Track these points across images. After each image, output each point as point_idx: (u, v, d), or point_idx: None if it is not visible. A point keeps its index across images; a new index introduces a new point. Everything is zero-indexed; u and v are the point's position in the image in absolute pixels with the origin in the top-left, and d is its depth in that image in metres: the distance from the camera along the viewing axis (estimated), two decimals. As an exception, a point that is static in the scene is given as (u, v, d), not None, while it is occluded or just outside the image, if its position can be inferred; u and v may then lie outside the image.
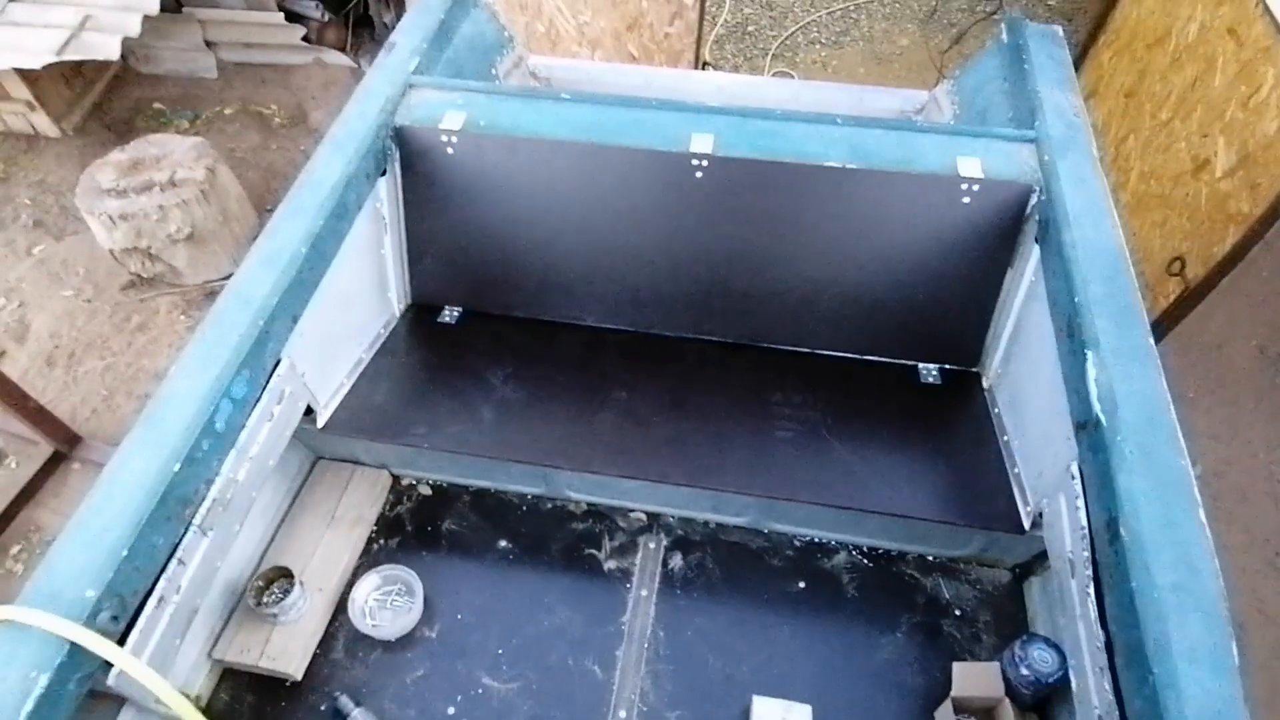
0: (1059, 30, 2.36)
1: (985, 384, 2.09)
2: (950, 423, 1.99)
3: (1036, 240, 1.86)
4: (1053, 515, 1.60)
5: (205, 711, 1.67)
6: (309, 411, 1.82)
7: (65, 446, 3.14)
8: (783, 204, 1.97)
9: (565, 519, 2.02)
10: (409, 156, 2.03)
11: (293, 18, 4.89)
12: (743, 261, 2.05)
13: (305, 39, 4.95)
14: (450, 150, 1.99)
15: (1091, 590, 1.38)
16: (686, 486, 1.80)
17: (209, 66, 5.04)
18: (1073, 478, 1.51)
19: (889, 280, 2.03)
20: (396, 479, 2.07)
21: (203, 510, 1.41)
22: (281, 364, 1.64)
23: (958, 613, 1.87)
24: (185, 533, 1.38)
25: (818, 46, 5.42)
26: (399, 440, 1.85)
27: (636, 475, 1.81)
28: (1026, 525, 1.72)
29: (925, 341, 2.11)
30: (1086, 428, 1.48)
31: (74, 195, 3.52)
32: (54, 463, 3.14)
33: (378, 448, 1.99)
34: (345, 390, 1.95)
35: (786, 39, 5.46)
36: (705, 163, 1.92)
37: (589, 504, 2.02)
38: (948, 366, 2.12)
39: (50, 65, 3.72)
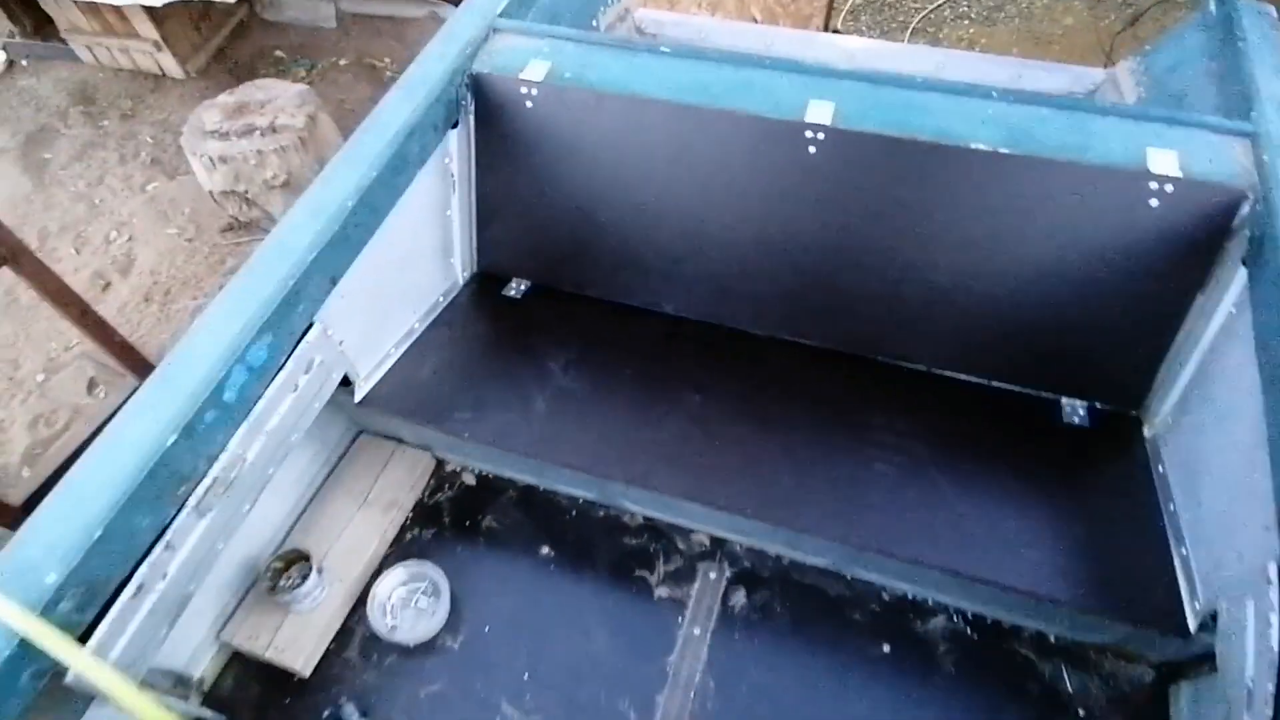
0: (1274, 11, 1.88)
1: (1147, 433, 1.68)
2: (1098, 477, 1.61)
3: (1244, 262, 1.45)
4: (1232, 623, 1.23)
5: (208, 696, 1.55)
6: (347, 382, 1.65)
7: (149, 382, 3.17)
8: (912, 191, 1.63)
9: (617, 531, 1.78)
10: (485, 108, 1.81)
11: (411, -31, 4.80)
12: (854, 255, 1.73)
13: (421, -8, 4.85)
14: (529, 104, 1.76)
15: None
16: (758, 521, 1.51)
17: (329, 16, 5.04)
18: (1270, 582, 1.13)
19: (1037, 292, 1.65)
20: (440, 463, 1.89)
21: (201, 489, 1.25)
22: (313, 329, 1.46)
23: (1081, 712, 1.51)
24: (178, 514, 1.23)
25: (966, 22, 4.86)
26: (439, 426, 1.66)
27: (700, 499, 1.55)
28: (1193, 627, 1.34)
29: (1073, 371, 1.72)
30: None
31: (185, 135, 3.55)
32: (138, 397, 3.17)
33: (420, 428, 1.82)
34: (391, 362, 1.77)
35: (931, 12, 4.93)
36: (821, 135, 1.60)
37: (646, 518, 1.77)
38: (1099, 405, 1.72)
39: (173, 3, 3.76)
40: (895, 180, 1.62)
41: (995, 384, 1.77)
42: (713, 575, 1.70)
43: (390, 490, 1.80)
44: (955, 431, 1.67)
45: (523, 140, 1.82)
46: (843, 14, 4.96)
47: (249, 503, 1.40)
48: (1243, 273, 1.45)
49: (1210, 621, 1.31)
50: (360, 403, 1.68)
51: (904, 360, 1.81)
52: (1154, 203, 1.49)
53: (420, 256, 1.85)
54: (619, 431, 1.63)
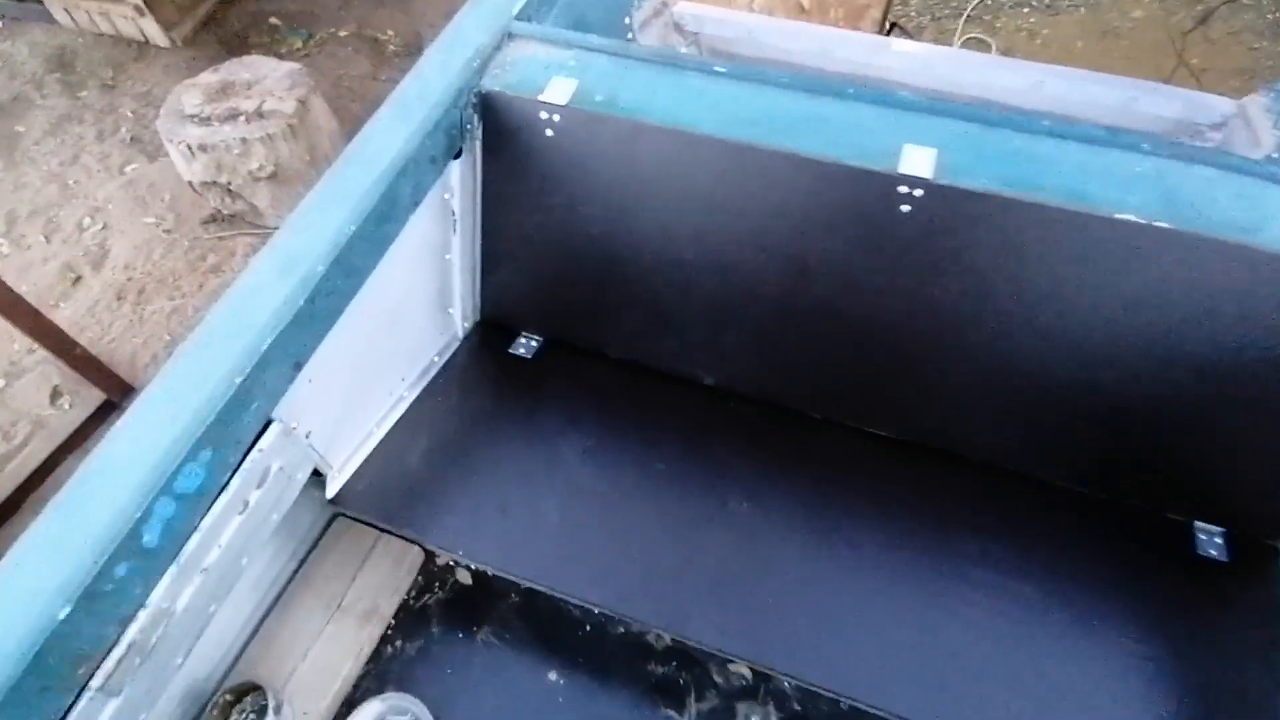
0: None
1: (1296, 572, 1.37)
2: (1244, 640, 1.30)
3: None
4: None
5: None
6: (317, 472, 1.35)
7: (117, 395, 2.89)
8: (1032, 269, 1.29)
9: (640, 655, 1.49)
10: (495, 134, 1.48)
11: (418, -67, 4.38)
12: (947, 339, 1.40)
13: (429, -42, 4.44)
14: (550, 132, 1.43)
15: None
16: (821, 689, 1.22)
17: (328, -19, 4.63)
18: None
19: (1183, 397, 1.33)
20: (430, 556, 1.60)
21: (110, 663, 0.96)
22: (270, 430, 1.16)
23: None
24: (77, 699, 0.93)
25: (1026, 10, 4.43)
26: (423, 535, 1.36)
27: (747, 657, 1.25)
28: None
29: (1212, 492, 1.40)
30: None
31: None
32: (105, 411, 2.89)
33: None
34: (372, 444, 1.46)
35: (987, -1, 4.51)
36: (919, 191, 1.27)
37: (674, 639, 1.47)
38: (1241, 535, 1.41)
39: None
40: (1010, 253, 1.29)
41: (1113, 503, 1.45)
42: (755, 719, 1.41)
43: (370, 593, 1.50)
44: (1067, 566, 1.36)
45: (540, 174, 1.49)
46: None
47: (182, 654, 1.11)
48: None
49: None
50: (333, 499, 1.37)
51: (1006, 464, 1.49)
52: None
53: (412, 310, 1.53)
54: (647, 553, 1.33)
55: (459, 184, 1.50)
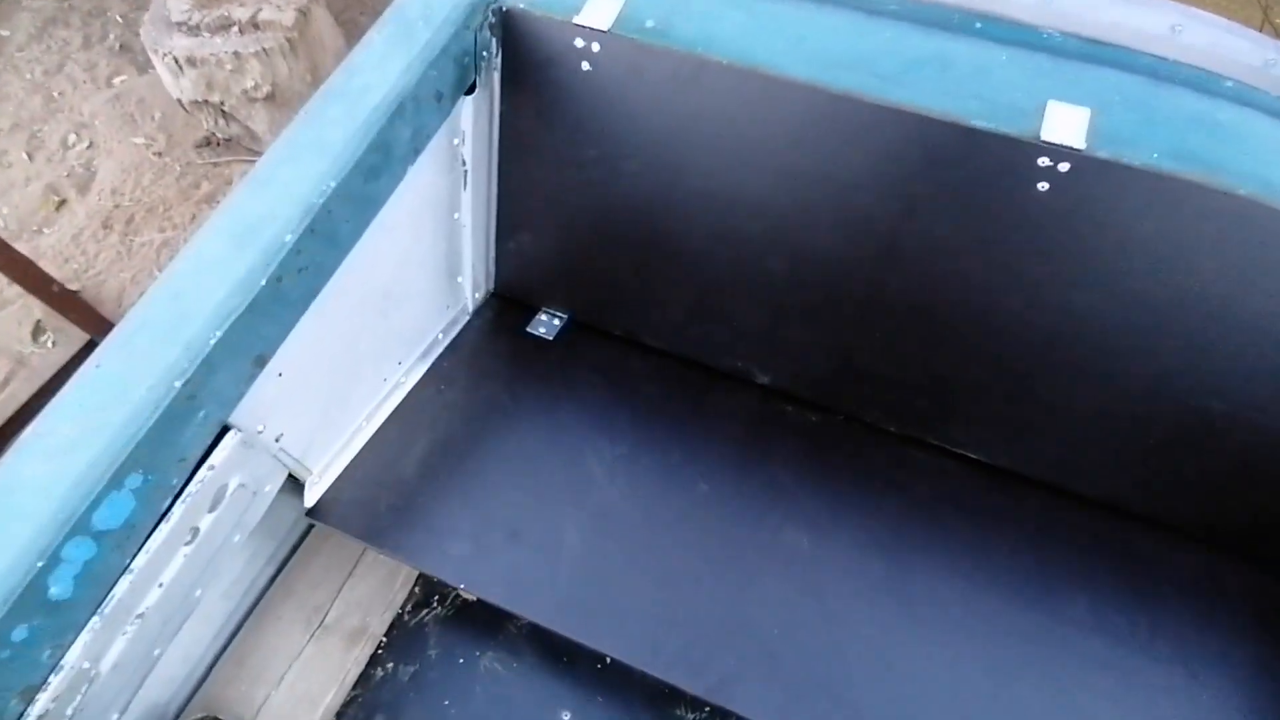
0: None
1: None
2: None
3: None
4: None
5: None
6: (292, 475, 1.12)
7: (100, 336, 2.66)
8: (1206, 268, 1.01)
9: (667, 700, 1.28)
10: (517, 64, 1.18)
11: None
12: (1079, 351, 1.13)
13: None
14: (587, 65, 1.13)
15: None
16: None
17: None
18: None
19: None
20: (428, 567, 1.38)
21: None
22: (226, 439, 0.92)
23: None
24: None
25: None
26: (417, 560, 1.13)
27: None
28: None
29: None
30: None
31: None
32: (89, 352, 2.67)
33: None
34: (361, 442, 1.22)
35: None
36: (1065, 166, 0.98)
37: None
38: None
39: None
40: (1178, 250, 1.00)
41: (1251, 551, 1.21)
42: None
43: (358, 608, 1.30)
44: (1196, 638, 1.12)
45: (573, 117, 1.20)
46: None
47: (117, 711, 0.90)
48: None
49: None
50: (311, 511, 1.15)
51: (1124, 504, 1.23)
52: None
53: (412, 280, 1.27)
54: (685, 601, 1.10)
55: (471, 127, 1.21)
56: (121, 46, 3.60)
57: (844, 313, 1.23)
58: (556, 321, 1.43)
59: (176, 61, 2.76)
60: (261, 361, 0.93)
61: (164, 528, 0.87)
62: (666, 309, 1.36)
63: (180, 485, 0.88)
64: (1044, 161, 0.98)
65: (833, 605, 1.11)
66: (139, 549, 0.85)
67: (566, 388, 1.35)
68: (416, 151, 1.09)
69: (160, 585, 0.89)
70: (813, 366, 1.31)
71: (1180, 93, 1.00)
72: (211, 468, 0.91)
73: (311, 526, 1.35)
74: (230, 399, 0.91)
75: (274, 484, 1.06)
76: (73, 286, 2.80)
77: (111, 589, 0.83)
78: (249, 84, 2.83)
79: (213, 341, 0.85)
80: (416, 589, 1.37)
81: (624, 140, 1.19)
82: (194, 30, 2.78)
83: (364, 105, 1.01)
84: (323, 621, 1.29)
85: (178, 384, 0.82)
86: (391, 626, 1.33)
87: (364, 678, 1.28)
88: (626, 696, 1.27)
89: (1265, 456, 1.10)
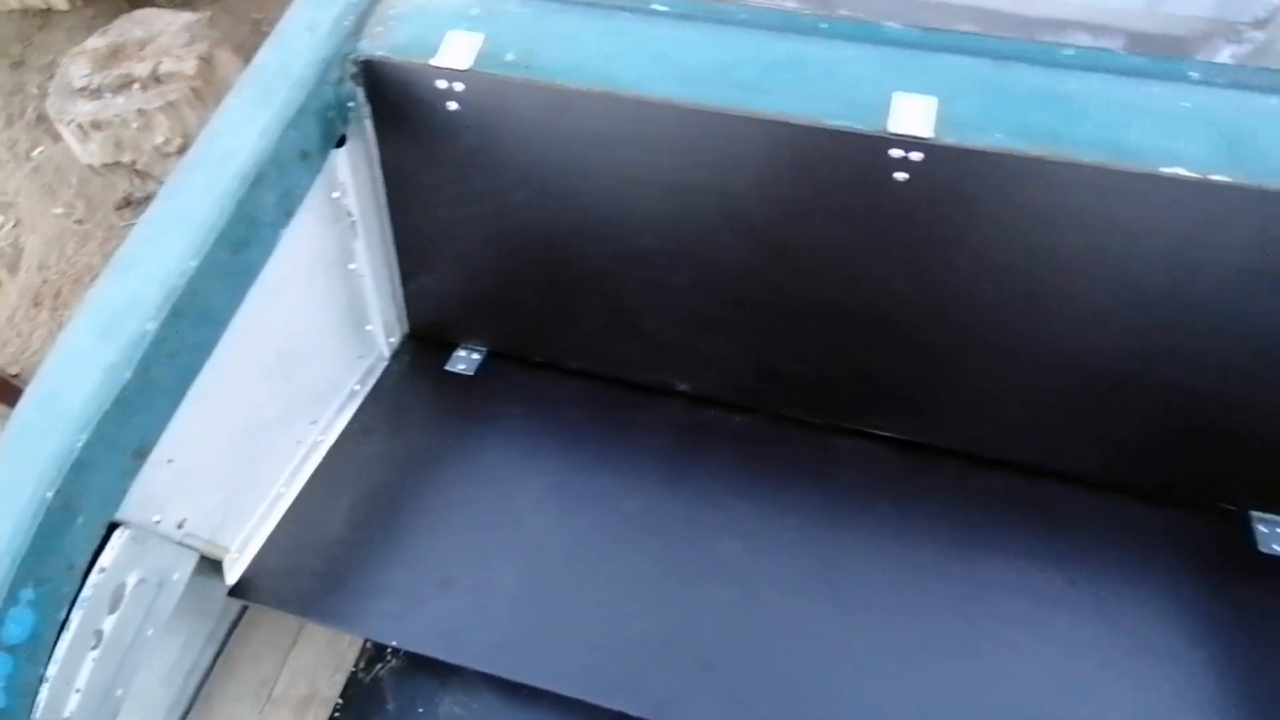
0: None
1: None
2: None
3: None
4: None
5: None
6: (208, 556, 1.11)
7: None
8: (1064, 238, 1.03)
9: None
10: (387, 111, 1.17)
11: None
12: (966, 326, 1.15)
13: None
14: (454, 105, 1.12)
15: None
16: None
17: (231, -92, 4.08)
18: None
19: (1239, 377, 1.09)
20: (376, 620, 1.37)
21: None
22: (114, 539, 0.91)
23: None
24: None
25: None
26: (349, 625, 1.13)
27: None
28: None
29: (1271, 475, 1.18)
30: None
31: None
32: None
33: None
34: (281, 509, 1.21)
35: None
36: (917, 155, 0.99)
37: None
38: None
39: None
40: (1036, 224, 1.02)
41: (1157, 495, 1.23)
42: None
43: (305, 675, 1.29)
44: (1111, 585, 1.15)
45: (452, 156, 1.19)
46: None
47: None
48: None
49: None
50: (234, 590, 1.13)
51: (1035, 464, 1.26)
52: None
53: (315, 339, 1.26)
54: (621, 626, 1.10)
55: (350, 178, 1.20)
56: (39, 118, 3.51)
57: (748, 316, 1.24)
58: (476, 356, 1.42)
59: (81, 127, 2.71)
60: (142, 453, 0.92)
61: (66, 636, 0.86)
62: (580, 330, 1.35)
63: (75, 591, 0.87)
64: (897, 153, 0.99)
65: (769, 606, 1.12)
66: (49, 658, 0.84)
67: (491, 423, 1.34)
68: (288, 214, 1.07)
69: (77, 691, 0.88)
70: (729, 370, 1.31)
71: (1023, 70, 1.01)
72: (102, 570, 0.90)
73: (246, 607, 1.33)
74: (112, 497, 0.90)
75: (182, 571, 1.04)
76: (12, 370, 2.75)
77: (35, 698, 0.82)
78: (159, 139, 2.77)
79: (80, 445, 0.84)
80: (368, 644, 1.36)
81: (506, 173, 1.19)
82: (96, 94, 2.73)
83: (224, 175, 0.99)
84: (270, 695, 1.28)
85: (49, 495, 0.81)
86: (347, 687, 1.32)
87: (322, 742, 1.27)
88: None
89: (1158, 404, 1.13)
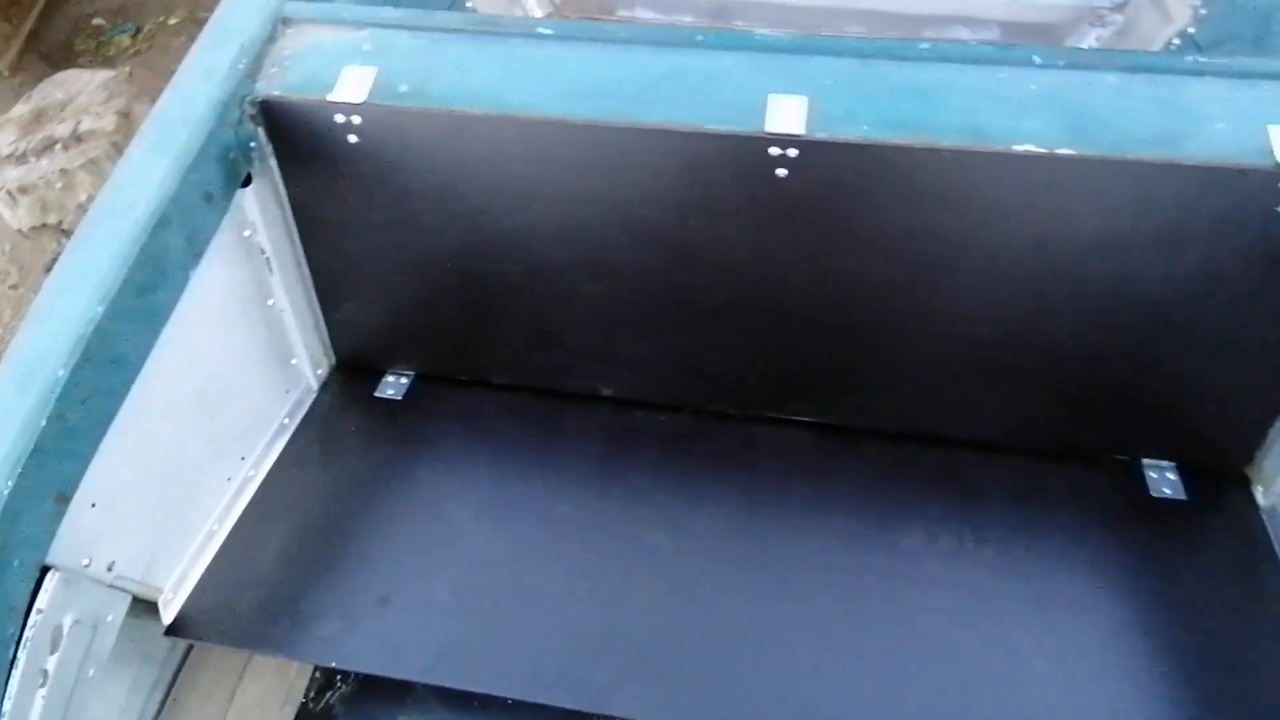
0: None
1: (1260, 498, 1.26)
2: (1213, 581, 1.18)
3: None
4: None
5: None
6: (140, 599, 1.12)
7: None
8: (934, 219, 1.11)
9: (585, 717, 1.31)
10: (289, 149, 1.20)
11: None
12: (859, 308, 1.22)
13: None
14: (354, 138, 1.16)
15: None
16: None
17: (146, -35, 4.12)
18: None
19: (1113, 336, 1.18)
20: (323, 649, 1.38)
21: None
22: (47, 581, 0.92)
23: None
24: None
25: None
26: (288, 652, 1.14)
27: None
28: None
29: (1157, 425, 1.27)
30: None
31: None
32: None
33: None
34: (215, 547, 1.22)
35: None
36: (793, 151, 1.06)
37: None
38: (1192, 465, 1.29)
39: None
40: (908, 206, 1.10)
41: (1056, 453, 1.31)
42: None
43: (255, 710, 1.29)
44: (1019, 537, 1.22)
45: (358, 189, 1.23)
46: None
47: None
48: None
49: None
50: (171, 629, 1.14)
51: (940, 433, 1.33)
52: None
53: (237, 376, 1.28)
54: (557, 626, 1.13)
55: (260, 216, 1.23)
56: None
57: (660, 318, 1.29)
58: (404, 380, 1.45)
59: (10, 194, 2.69)
60: (64, 499, 0.93)
61: (15, 674, 0.87)
62: (503, 346, 1.39)
63: (19, 632, 0.88)
64: (775, 151, 1.06)
65: (700, 594, 1.16)
66: (3, 696, 0.85)
67: (422, 444, 1.37)
68: (196, 255, 1.10)
69: None
70: (649, 371, 1.36)
71: (885, 66, 1.09)
72: (40, 611, 0.91)
73: (188, 650, 1.33)
74: (41, 541, 0.91)
75: (116, 613, 1.05)
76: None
77: None
78: (82, 197, 2.77)
79: (6, 492, 0.85)
80: (317, 673, 1.37)
81: (412, 200, 1.23)
82: (21, 159, 2.72)
83: (127, 221, 1.02)
84: (222, 730, 1.28)
85: None
86: (298, 717, 1.32)
87: (277, 775, 1.27)
88: (538, 726, 1.30)
89: (1043, 367, 1.21)
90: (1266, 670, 1.07)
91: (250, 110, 1.16)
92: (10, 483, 0.86)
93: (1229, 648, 1.10)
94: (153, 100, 3.07)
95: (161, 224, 1.03)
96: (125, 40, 4.02)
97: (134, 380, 1.01)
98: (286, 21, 1.21)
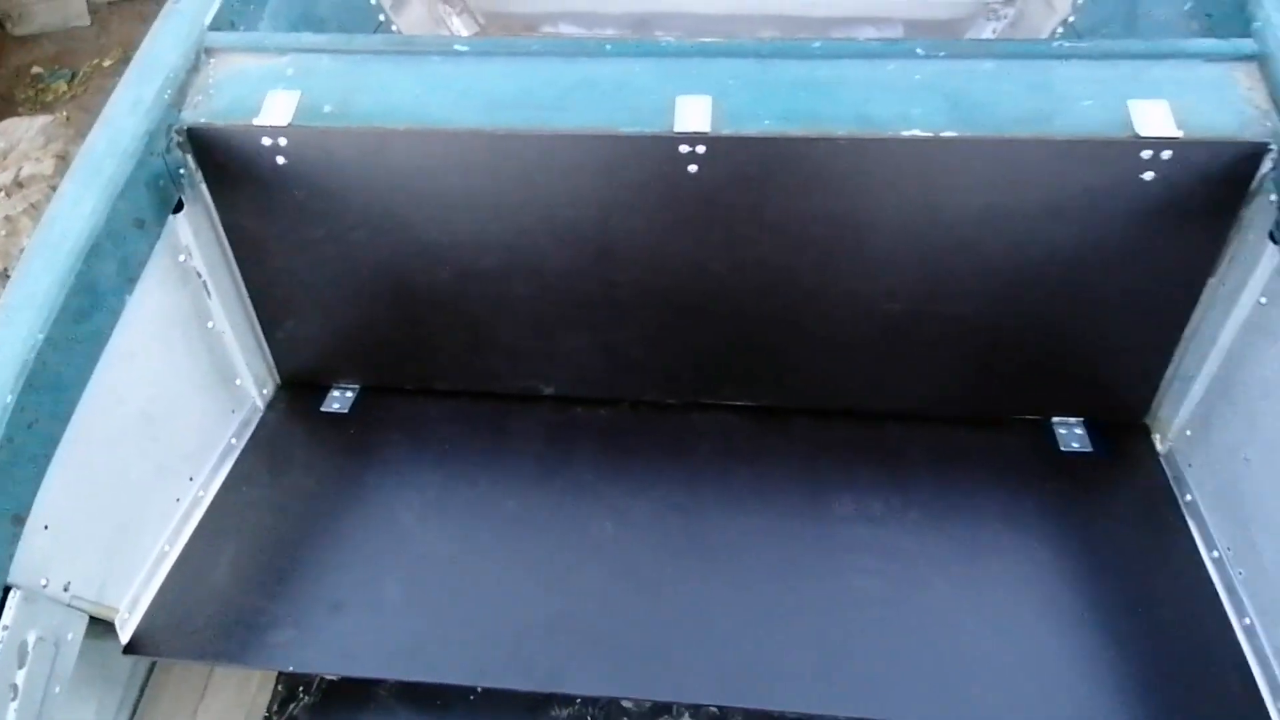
0: None
1: (1159, 445, 1.35)
2: (1116, 523, 1.26)
3: (1274, 238, 1.09)
4: None
5: None
6: (99, 620, 1.14)
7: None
8: (836, 203, 1.19)
9: (540, 704, 1.35)
10: (219, 174, 1.24)
11: (166, -66, 3.89)
12: (776, 293, 1.29)
13: (187, -39, 3.96)
14: (281, 159, 1.21)
15: None
16: (717, 708, 1.11)
17: (80, 13, 4.14)
18: None
19: (1011, 304, 1.26)
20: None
21: None
22: (9, 600, 0.95)
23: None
24: None
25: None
26: (243, 660, 1.16)
27: (634, 693, 1.13)
28: None
29: (1063, 385, 1.36)
30: None
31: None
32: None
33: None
34: (166, 567, 1.24)
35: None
36: (701, 148, 1.13)
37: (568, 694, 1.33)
38: (1098, 421, 1.38)
39: None
40: (811, 193, 1.17)
41: (974, 418, 1.40)
42: None
43: (218, 726, 1.31)
44: (941, 499, 1.29)
45: (288, 209, 1.27)
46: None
47: None
48: (1274, 252, 1.09)
49: None
50: (129, 647, 1.16)
51: (864, 408, 1.40)
52: (1148, 176, 1.10)
53: (179, 399, 1.30)
54: (509, 614, 1.18)
55: (194, 240, 1.26)
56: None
57: (591, 315, 1.35)
58: (349, 394, 1.49)
59: (-56, 243, 2.66)
60: (19, 520, 0.96)
61: None
62: (443, 353, 1.44)
63: None
64: (685, 148, 1.13)
65: (644, 576, 1.22)
66: None
67: (369, 454, 1.41)
68: (131, 280, 1.13)
69: None
70: (585, 368, 1.42)
71: (781, 64, 1.17)
72: (5, 628, 0.94)
73: (150, 672, 1.35)
74: (1, 562, 0.94)
75: (75, 631, 1.07)
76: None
77: None
78: (25, 241, 2.75)
79: None
80: (279, 687, 1.39)
81: (342, 216, 1.27)
82: (-44, 206, 2.69)
83: (61, 252, 1.05)
84: (185, 750, 1.29)
85: None
86: (261, 730, 1.35)
87: (244, 789, 1.29)
88: (501, 717, 1.34)
89: (951, 337, 1.29)
90: (1171, 604, 1.16)
91: (178, 138, 1.20)
92: None
93: (1137, 584, 1.18)
94: (91, 141, 3.05)
95: (94, 252, 1.06)
96: (62, 86, 4.01)
97: (77, 403, 1.04)
98: (209, 51, 1.25)
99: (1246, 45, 1.14)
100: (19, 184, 2.74)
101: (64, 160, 2.79)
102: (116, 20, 4.07)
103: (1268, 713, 1.04)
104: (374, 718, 1.35)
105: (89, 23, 4.10)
